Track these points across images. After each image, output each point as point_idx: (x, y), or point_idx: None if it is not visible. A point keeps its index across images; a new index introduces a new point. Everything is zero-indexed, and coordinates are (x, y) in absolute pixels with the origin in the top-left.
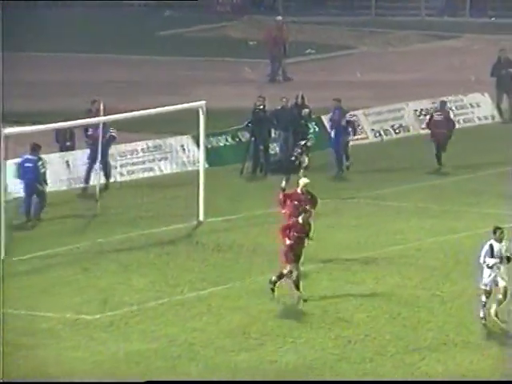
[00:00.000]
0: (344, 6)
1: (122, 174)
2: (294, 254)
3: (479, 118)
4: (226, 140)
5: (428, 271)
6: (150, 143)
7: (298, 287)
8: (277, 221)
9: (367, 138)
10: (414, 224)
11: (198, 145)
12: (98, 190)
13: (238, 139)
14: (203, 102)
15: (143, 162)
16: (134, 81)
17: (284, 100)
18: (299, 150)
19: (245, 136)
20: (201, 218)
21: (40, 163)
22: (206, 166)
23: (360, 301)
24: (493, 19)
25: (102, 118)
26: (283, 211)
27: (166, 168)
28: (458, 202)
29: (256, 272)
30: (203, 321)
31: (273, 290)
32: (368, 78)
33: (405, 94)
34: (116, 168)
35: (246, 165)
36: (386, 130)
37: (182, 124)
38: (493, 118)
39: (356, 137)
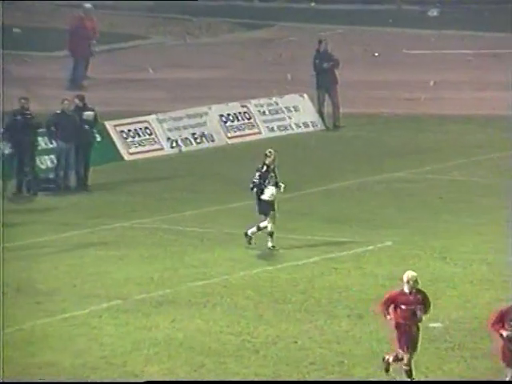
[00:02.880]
0: None
1: None
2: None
3: (298, 125)
4: None
5: (237, 312)
6: None
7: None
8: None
9: (162, 148)
10: (219, 254)
11: None
12: None
13: None
14: None
15: None
16: None
17: (66, 103)
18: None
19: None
20: None
21: None
22: None
23: (153, 350)
24: (312, 4)
25: None
26: (388, 318)
27: None
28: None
29: None
30: None
31: None
32: (162, 75)
33: (208, 96)
34: None
35: (9, 183)
36: (186, 138)
37: None
38: (314, 124)
39: (148, 148)
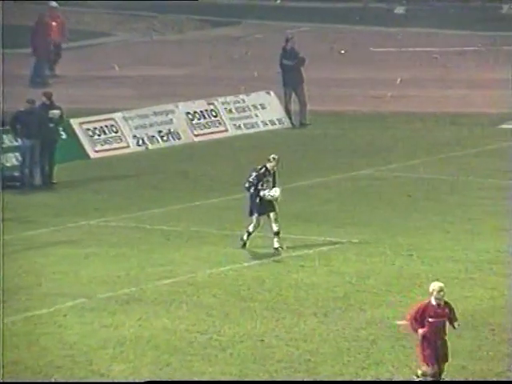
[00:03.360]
0: None
1: None
2: None
3: (264, 123)
4: None
5: (203, 311)
6: None
7: None
8: None
9: (128, 146)
10: (186, 252)
11: None
12: None
13: None
14: None
15: None
16: None
17: (30, 100)
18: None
19: None
20: None
21: None
22: None
23: (119, 348)
24: (278, 2)
25: None
26: (420, 331)
27: None
28: (239, 225)
29: None
30: None
31: None
32: (128, 72)
33: (174, 93)
34: None
35: None
36: (152, 136)
37: None
38: (281, 122)
39: (114, 146)
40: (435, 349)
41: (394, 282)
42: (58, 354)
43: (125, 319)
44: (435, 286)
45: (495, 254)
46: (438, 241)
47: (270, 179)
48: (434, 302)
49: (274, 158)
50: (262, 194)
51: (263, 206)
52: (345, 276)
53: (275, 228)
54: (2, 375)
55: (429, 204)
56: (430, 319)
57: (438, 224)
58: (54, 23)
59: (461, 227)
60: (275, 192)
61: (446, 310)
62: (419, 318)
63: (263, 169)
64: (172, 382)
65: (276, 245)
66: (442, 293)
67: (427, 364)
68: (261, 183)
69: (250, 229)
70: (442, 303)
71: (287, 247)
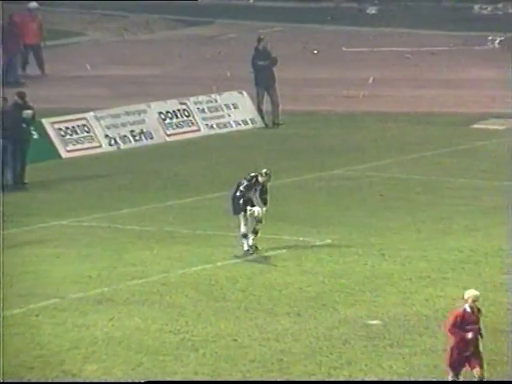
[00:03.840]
0: None
1: None
2: None
3: (237, 123)
4: None
5: (176, 311)
6: None
7: None
8: None
9: (100, 146)
10: (158, 252)
11: None
12: None
13: None
14: None
15: None
16: None
17: (1, 100)
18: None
19: None
20: None
21: None
22: None
23: (91, 348)
24: (251, 1)
25: None
26: (470, 336)
27: None
28: (212, 224)
29: None
30: None
31: None
32: (100, 72)
33: (147, 93)
34: None
35: None
36: (124, 136)
37: None
38: (253, 122)
39: (86, 145)
40: (463, 355)
41: (367, 281)
42: (30, 354)
43: (97, 319)
44: (471, 294)
45: (467, 253)
46: (410, 240)
47: (257, 193)
48: (468, 309)
49: (266, 173)
50: (248, 209)
51: (236, 207)
52: (318, 276)
53: (245, 230)
54: (2, 375)
55: (401, 203)
56: (468, 326)
57: (410, 223)
58: (33, 24)
59: (433, 226)
60: (258, 213)
61: (479, 316)
62: (459, 325)
63: (253, 179)
64: (172, 382)
65: (250, 242)
66: (476, 302)
67: (451, 368)
68: (250, 192)
69: (243, 229)
70: (476, 310)
71: (262, 248)
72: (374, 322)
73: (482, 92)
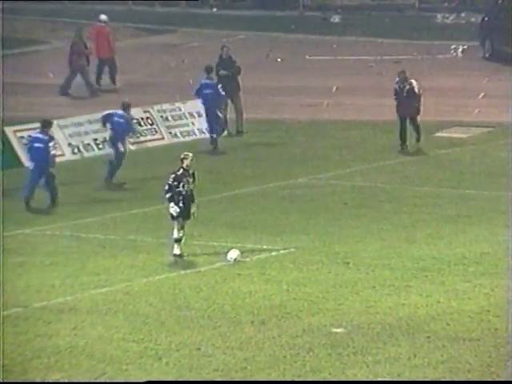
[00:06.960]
0: None
1: None
2: None
3: (201, 131)
4: None
5: (139, 319)
6: None
7: None
8: None
9: (63, 154)
10: (122, 261)
11: None
12: None
13: None
14: None
15: None
16: None
17: None
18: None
19: None
20: None
21: (52, 144)
22: None
23: (54, 358)
24: (214, 10)
25: None
26: None
27: None
28: None
29: None
30: None
31: None
32: (63, 80)
33: (110, 102)
34: None
35: None
36: (88, 144)
37: None
38: None
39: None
40: None
41: (331, 289)
42: None
43: (60, 328)
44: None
45: (430, 261)
46: (374, 248)
47: (190, 180)
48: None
49: (187, 155)
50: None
51: (185, 213)
52: (281, 284)
53: (181, 234)
54: (2, 375)
55: (365, 212)
56: None
57: (374, 232)
58: None
59: (396, 235)
60: (233, 255)
61: None
62: None
63: (181, 169)
64: (172, 382)
65: (177, 251)
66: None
67: None
68: (181, 184)
69: (175, 235)
70: None
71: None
72: (338, 330)
73: (445, 100)
